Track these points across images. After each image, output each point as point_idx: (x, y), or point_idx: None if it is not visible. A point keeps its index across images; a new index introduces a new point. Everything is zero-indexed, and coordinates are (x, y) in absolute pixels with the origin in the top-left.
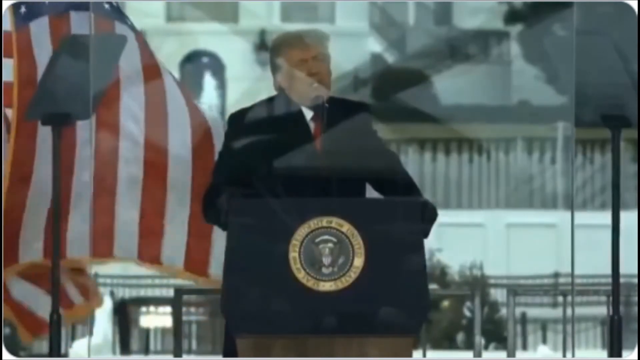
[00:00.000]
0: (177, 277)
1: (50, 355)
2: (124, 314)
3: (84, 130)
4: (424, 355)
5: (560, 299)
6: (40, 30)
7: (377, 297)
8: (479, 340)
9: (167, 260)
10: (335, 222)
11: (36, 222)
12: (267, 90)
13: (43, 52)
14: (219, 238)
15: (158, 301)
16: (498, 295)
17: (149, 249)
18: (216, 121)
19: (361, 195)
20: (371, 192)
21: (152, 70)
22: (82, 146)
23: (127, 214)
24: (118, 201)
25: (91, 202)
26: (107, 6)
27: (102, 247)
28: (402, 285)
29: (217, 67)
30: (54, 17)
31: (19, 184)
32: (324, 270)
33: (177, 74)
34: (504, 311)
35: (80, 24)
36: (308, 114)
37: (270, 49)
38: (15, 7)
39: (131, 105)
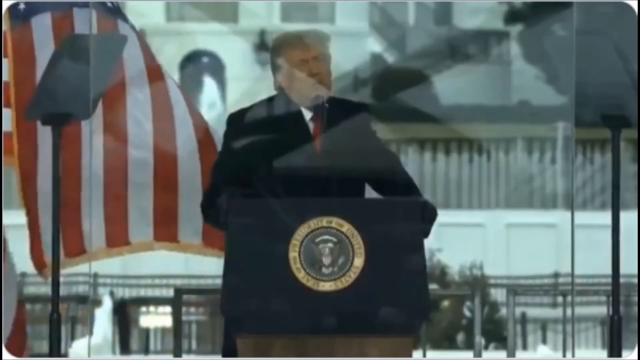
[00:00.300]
0: (197, 253)
1: (50, 355)
2: (124, 314)
3: (90, 125)
4: (424, 355)
5: (560, 299)
6: (42, 28)
7: (377, 297)
8: (479, 340)
9: (185, 238)
10: (335, 222)
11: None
12: (267, 90)
13: (45, 50)
14: None
15: (158, 301)
16: (498, 295)
17: (164, 230)
18: (212, 123)
19: (360, 195)
20: (370, 193)
21: (154, 68)
22: (91, 138)
23: (140, 199)
24: (130, 188)
25: (103, 193)
26: (109, 4)
27: (117, 235)
28: (402, 285)
29: (217, 67)
30: (56, 15)
31: (26, 183)
32: (324, 270)
33: (177, 74)
34: (504, 311)
35: (83, 21)
36: (307, 114)
37: (271, 48)
38: (12, 6)
39: (138, 98)
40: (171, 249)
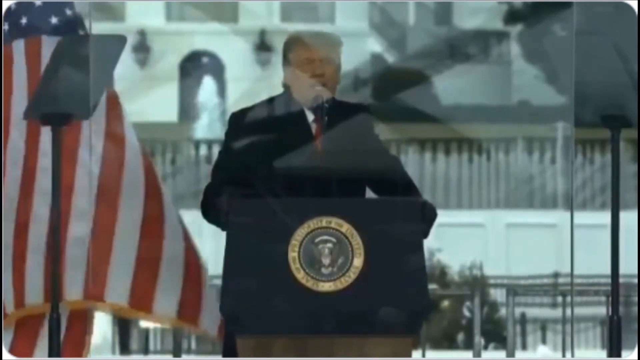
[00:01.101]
0: (125, 315)
1: (50, 355)
2: None
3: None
4: (424, 355)
5: (560, 299)
6: (18, 52)
7: (376, 297)
8: (479, 340)
9: (112, 298)
10: (334, 222)
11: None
12: (267, 90)
13: (19, 74)
14: (165, 272)
15: None
16: (498, 295)
17: (94, 287)
18: (211, 123)
19: (361, 197)
20: (370, 195)
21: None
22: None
23: (76, 251)
24: (68, 238)
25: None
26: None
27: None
28: (402, 285)
29: (217, 67)
30: (28, 41)
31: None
32: (324, 270)
33: (177, 74)
34: (503, 311)
35: (50, 49)
36: (310, 115)
37: (284, 44)
38: None
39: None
40: (99, 308)
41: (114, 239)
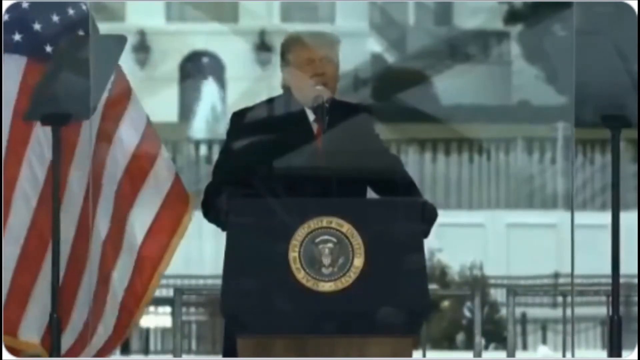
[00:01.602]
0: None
1: (50, 355)
2: None
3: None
4: (424, 355)
5: (560, 299)
6: None
7: (377, 297)
8: (479, 340)
9: (25, 335)
10: (335, 222)
11: None
12: (267, 90)
13: None
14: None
15: (158, 301)
16: (498, 295)
17: (8, 322)
18: (211, 124)
19: (362, 197)
20: (371, 195)
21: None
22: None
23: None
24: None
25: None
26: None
27: None
28: (402, 285)
29: (217, 67)
30: None
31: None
32: (324, 270)
33: (177, 74)
34: (504, 311)
35: (9, 66)
36: (311, 115)
37: (281, 46)
38: None
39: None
40: (12, 343)
41: (42, 265)
